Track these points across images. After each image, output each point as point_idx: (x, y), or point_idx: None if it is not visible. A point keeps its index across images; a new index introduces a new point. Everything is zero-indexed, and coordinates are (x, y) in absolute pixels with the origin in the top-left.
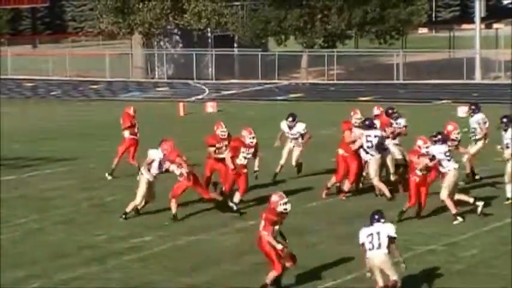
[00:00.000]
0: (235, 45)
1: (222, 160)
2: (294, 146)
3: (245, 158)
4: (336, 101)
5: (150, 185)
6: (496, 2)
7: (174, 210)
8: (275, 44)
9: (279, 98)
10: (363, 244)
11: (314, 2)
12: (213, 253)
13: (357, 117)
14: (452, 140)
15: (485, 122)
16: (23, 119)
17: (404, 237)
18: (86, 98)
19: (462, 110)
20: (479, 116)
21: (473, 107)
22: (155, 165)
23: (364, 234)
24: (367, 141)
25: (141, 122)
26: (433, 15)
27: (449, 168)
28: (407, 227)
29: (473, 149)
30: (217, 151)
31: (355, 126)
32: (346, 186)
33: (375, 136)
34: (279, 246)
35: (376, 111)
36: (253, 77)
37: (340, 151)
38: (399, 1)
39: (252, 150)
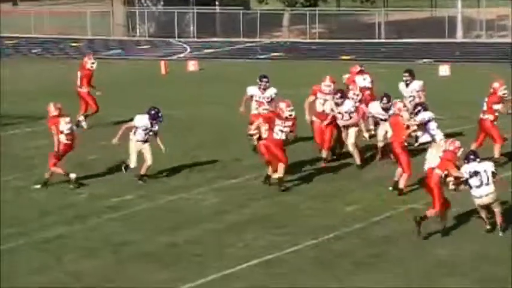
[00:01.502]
0: (217, 3)
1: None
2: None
3: (281, 131)
4: (318, 59)
5: (139, 147)
6: None
7: None
8: (257, 2)
9: (260, 56)
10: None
11: None
12: (193, 212)
13: (325, 83)
14: (500, 97)
15: (423, 90)
16: (3, 78)
17: (383, 197)
18: (67, 56)
19: (443, 69)
20: (416, 84)
21: (406, 74)
22: (140, 131)
23: (467, 172)
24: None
25: (123, 81)
26: None
27: (441, 138)
28: (358, 188)
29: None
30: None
31: (323, 93)
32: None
33: (346, 112)
34: None
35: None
36: (235, 35)
37: (314, 118)
38: None
39: (289, 124)
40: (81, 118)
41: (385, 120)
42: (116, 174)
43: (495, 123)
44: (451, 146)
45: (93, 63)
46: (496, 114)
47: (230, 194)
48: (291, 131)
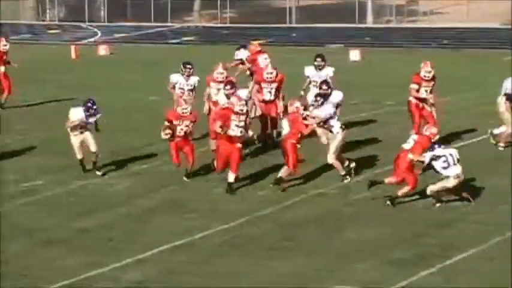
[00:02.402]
0: None
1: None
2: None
3: (238, 126)
4: (229, 44)
5: (80, 139)
6: None
7: None
8: None
9: (171, 41)
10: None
11: None
12: (105, 197)
13: (218, 71)
14: (420, 78)
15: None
16: None
17: (295, 181)
18: None
19: (353, 54)
20: (330, 69)
21: (319, 59)
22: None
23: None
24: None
25: (33, 66)
26: None
27: (337, 131)
28: (272, 175)
29: None
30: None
31: (216, 81)
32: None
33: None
34: None
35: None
36: (146, 19)
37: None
38: None
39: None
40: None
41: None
42: (25, 158)
43: (418, 104)
44: (427, 132)
45: (5, 45)
46: (416, 95)
47: (142, 178)
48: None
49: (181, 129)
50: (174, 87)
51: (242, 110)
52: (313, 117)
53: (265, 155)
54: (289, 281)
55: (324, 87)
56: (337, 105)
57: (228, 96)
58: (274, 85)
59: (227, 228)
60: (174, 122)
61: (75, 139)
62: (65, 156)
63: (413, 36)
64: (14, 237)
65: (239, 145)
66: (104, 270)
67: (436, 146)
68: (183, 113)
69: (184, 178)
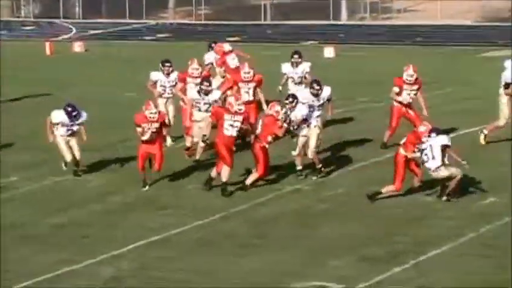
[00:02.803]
0: None
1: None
2: (167, 101)
3: (232, 126)
4: (204, 41)
5: (66, 140)
6: None
7: None
8: None
9: (146, 38)
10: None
11: None
12: (80, 194)
13: (193, 66)
14: (403, 81)
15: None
16: None
17: (269, 178)
18: None
19: (327, 51)
20: (306, 65)
21: (296, 55)
22: (62, 129)
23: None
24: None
25: (8, 62)
26: None
27: (314, 124)
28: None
29: None
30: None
31: (192, 77)
32: None
33: (214, 101)
34: None
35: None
36: (121, 16)
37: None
38: None
39: (240, 118)
40: None
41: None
42: (0, 154)
43: (400, 108)
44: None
45: None
46: (396, 98)
47: (116, 176)
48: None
49: (151, 131)
50: (154, 85)
51: (240, 110)
52: (292, 121)
53: (242, 153)
54: (261, 277)
55: (316, 86)
56: (328, 100)
57: (205, 92)
58: (252, 85)
59: (202, 224)
60: (143, 125)
61: (62, 141)
62: (40, 152)
63: (387, 34)
64: None
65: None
66: (79, 267)
67: (433, 134)
68: (150, 116)
69: (144, 189)
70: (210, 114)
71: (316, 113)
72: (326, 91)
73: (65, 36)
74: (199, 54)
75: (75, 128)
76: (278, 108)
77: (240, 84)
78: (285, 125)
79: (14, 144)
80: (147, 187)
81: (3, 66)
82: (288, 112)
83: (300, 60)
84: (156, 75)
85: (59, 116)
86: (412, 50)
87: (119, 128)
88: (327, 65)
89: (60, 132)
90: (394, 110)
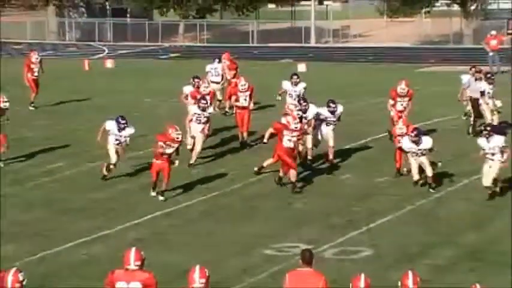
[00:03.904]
0: (128, 15)
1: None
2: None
3: (289, 140)
4: (206, 58)
5: (115, 147)
6: None
7: None
8: (159, 15)
9: (161, 56)
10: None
11: None
12: (110, 176)
13: (204, 85)
14: (396, 93)
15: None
16: None
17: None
18: (10, 55)
19: (300, 67)
20: (303, 84)
21: (295, 76)
22: (112, 136)
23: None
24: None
25: (55, 75)
26: None
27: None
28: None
29: None
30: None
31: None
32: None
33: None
34: None
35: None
36: (142, 40)
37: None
38: None
39: (297, 134)
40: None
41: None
42: (48, 146)
43: (394, 116)
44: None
45: (37, 58)
46: (390, 108)
47: (136, 162)
48: (298, 139)
49: (168, 150)
50: (186, 97)
51: (296, 128)
52: (307, 123)
53: (238, 149)
54: (249, 239)
55: (332, 105)
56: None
57: (203, 109)
58: (247, 93)
59: (205, 199)
60: (167, 143)
61: (111, 147)
62: (78, 145)
63: (346, 53)
64: (38, 206)
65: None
66: (109, 232)
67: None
68: (176, 138)
69: (153, 193)
70: (205, 125)
71: (331, 126)
72: (340, 108)
73: (99, 55)
74: (202, 70)
75: (122, 139)
76: (289, 118)
77: (239, 94)
78: (298, 125)
79: (58, 138)
80: (154, 193)
81: (52, 78)
82: (301, 113)
83: (298, 80)
84: (188, 89)
85: (110, 124)
86: (365, 67)
87: (139, 126)
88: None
89: (110, 139)
90: (392, 117)
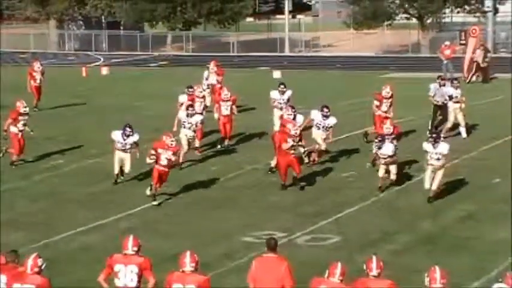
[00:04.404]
0: (121, 27)
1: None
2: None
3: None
4: (191, 66)
5: (121, 156)
6: None
7: None
8: (149, 27)
9: (151, 64)
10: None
11: None
12: (106, 171)
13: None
14: (382, 96)
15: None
16: None
17: (236, 160)
18: (16, 64)
19: (276, 74)
20: (290, 92)
21: (282, 85)
22: (118, 145)
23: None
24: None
25: (57, 81)
26: (257, 8)
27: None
28: (221, 156)
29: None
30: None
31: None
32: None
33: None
34: None
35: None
36: (134, 49)
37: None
38: None
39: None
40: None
41: (323, 127)
42: (50, 145)
43: (380, 115)
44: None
45: (39, 67)
46: (375, 109)
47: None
48: (299, 143)
49: (165, 158)
50: (181, 106)
51: (296, 133)
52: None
53: (220, 152)
54: (228, 227)
55: (326, 109)
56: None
57: (190, 115)
58: (229, 103)
59: (190, 192)
60: (159, 151)
61: (116, 156)
62: (77, 143)
63: (317, 62)
64: (43, 198)
65: (294, 157)
66: (105, 221)
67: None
68: (170, 144)
69: (148, 193)
70: (195, 132)
71: (321, 131)
72: (332, 120)
73: (96, 63)
74: (188, 78)
75: (127, 146)
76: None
77: (221, 103)
78: (298, 130)
79: (59, 138)
80: (155, 202)
81: (53, 84)
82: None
83: (285, 89)
84: (183, 98)
85: (115, 134)
86: (334, 73)
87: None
88: (276, 83)
89: (116, 147)
90: (375, 117)
